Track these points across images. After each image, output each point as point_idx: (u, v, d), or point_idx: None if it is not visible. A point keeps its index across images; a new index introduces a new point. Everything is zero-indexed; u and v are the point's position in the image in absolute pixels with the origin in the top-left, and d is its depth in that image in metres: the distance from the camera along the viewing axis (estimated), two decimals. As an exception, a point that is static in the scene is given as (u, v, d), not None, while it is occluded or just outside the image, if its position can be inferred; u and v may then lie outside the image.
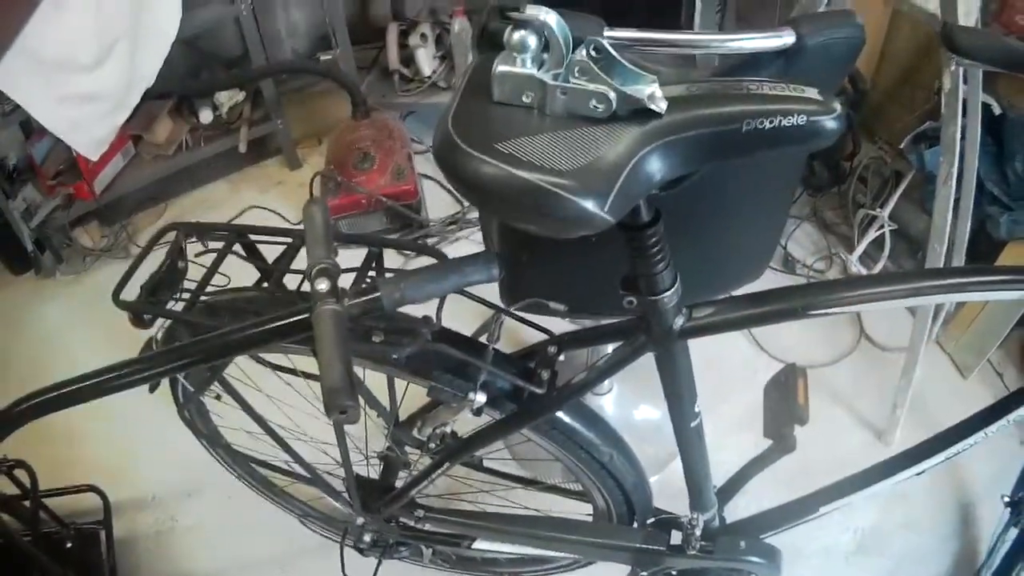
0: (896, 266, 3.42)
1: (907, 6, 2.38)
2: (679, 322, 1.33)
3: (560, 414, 1.60)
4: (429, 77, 3.75)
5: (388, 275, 1.29)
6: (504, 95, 1.08)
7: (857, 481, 1.72)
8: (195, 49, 3.55)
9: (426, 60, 3.73)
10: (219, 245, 1.56)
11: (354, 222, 3.38)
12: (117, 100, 2.79)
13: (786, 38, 1.30)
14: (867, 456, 2.66)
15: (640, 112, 1.06)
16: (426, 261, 1.32)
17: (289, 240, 1.55)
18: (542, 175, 0.99)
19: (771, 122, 1.05)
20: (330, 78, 3.55)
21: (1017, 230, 2.75)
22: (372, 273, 1.47)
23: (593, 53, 1.04)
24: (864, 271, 3.37)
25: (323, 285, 1.17)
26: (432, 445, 1.67)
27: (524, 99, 1.08)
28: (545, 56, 1.07)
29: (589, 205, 0.99)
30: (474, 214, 3.56)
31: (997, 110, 2.73)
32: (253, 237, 1.57)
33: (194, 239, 1.56)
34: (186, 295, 1.52)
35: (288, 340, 1.29)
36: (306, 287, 1.21)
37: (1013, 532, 2.21)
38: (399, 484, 1.89)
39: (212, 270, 1.54)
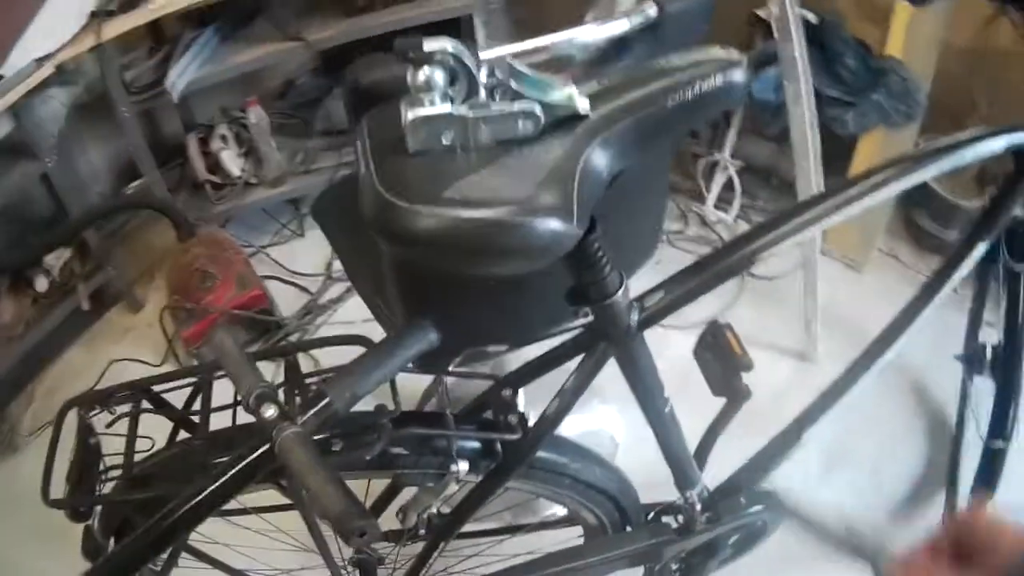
0: (751, 200, 3.45)
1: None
2: (634, 317, 1.29)
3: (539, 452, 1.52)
4: (239, 177, 3.63)
5: (313, 379, 1.29)
6: (420, 143, 1.01)
7: (828, 397, 1.78)
8: (8, 218, 3.39)
9: (232, 161, 3.62)
10: (126, 408, 1.46)
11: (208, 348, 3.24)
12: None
13: (649, 11, 1.29)
14: (800, 378, 2.75)
15: (565, 120, 1.01)
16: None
17: (194, 379, 1.46)
18: (503, 209, 0.94)
19: (691, 90, 1.04)
20: (147, 207, 3.41)
21: (866, 122, 2.85)
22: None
23: (498, 72, 1.00)
24: (724, 216, 3.39)
25: (271, 411, 1.09)
26: (420, 531, 1.59)
27: (444, 141, 1.01)
28: (450, 91, 1.00)
29: (557, 224, 0.95)
30: (327, 296, 3.55)
31: (814, 19, 2.79)
32: (157, 388, 1.48)
33: (97, 410, 1.46)
34: (113, 470, 1.42)
35: (255, 481, 1.18)
36: (242, 419, 1.13)
37: (979, 381, 2.30)
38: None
39: (131, 437, 1.43)
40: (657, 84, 1.05)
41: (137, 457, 1.43)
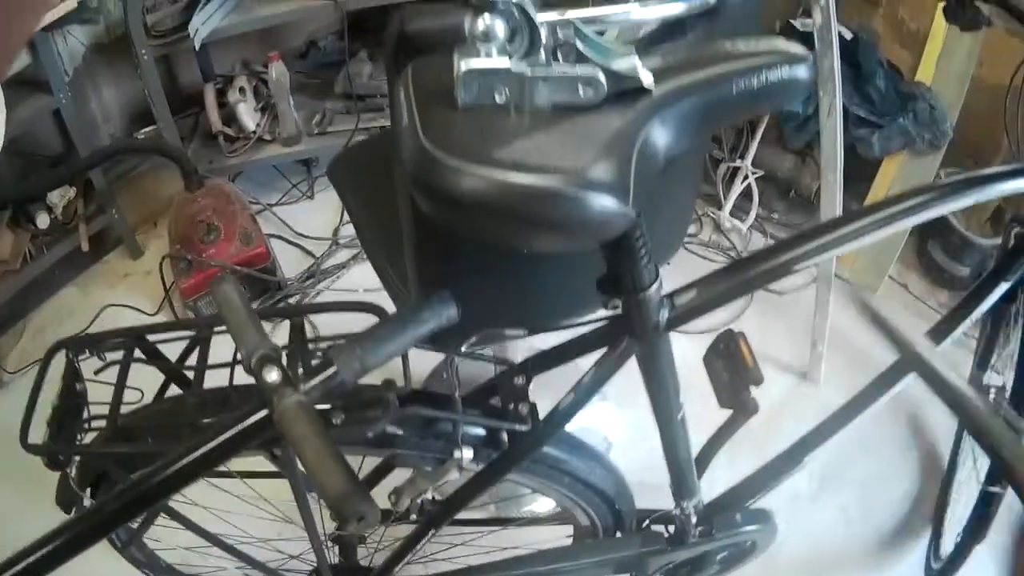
0: (767, 212, 3.43)
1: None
2: (664, 314, 1.22)
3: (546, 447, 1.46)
4: (254, 132, 3.56)
5: (320, 344, 1.23)
6: (472, 97, 0.94)
7: (833, 422, 1.72)
8: (17, 154, 3.33)
9: (248, 114, 3.55)
10: (117, 356, 1.39)
11: (212, 299, 3.14)
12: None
13: None
14: (799, 398, 2.72)
15: (627, 92, 0.95)
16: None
17: (191, 333, 1.40)
18: (557, 177, 0.87)
19: (757, 78, 0.98)
20: (159, 153, 3.35)
21: (890, 145, 2.85)
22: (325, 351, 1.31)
23: (562, 31, 0.94)
24: (738, 224, 3.35)
25: (273, 375, 1.02)
26: (411, 515, 1.53)
27: (498, 98, 0.94)
28: (508, 46, 0.93)
29: (612, 203, 0.88)
30: (330, 262, 3.49)
31: (848, 35, 2.76)
32: (152, 338, 1.41)
33: (86, 354, 1.39)
34: (96, 420, 1.37)
35: (248, 448, 1.11)
36: (239, 380, 1.06)
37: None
38: (368, 563, 1.74)
39: (120, 386, 1.37)
40: (723, 67, 0.99)
41: (123, 409, 1.37)
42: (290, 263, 3.47)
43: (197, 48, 3.16)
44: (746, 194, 3.41)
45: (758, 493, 1.77)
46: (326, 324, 1.48)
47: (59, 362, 1.38)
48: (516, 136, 0.92)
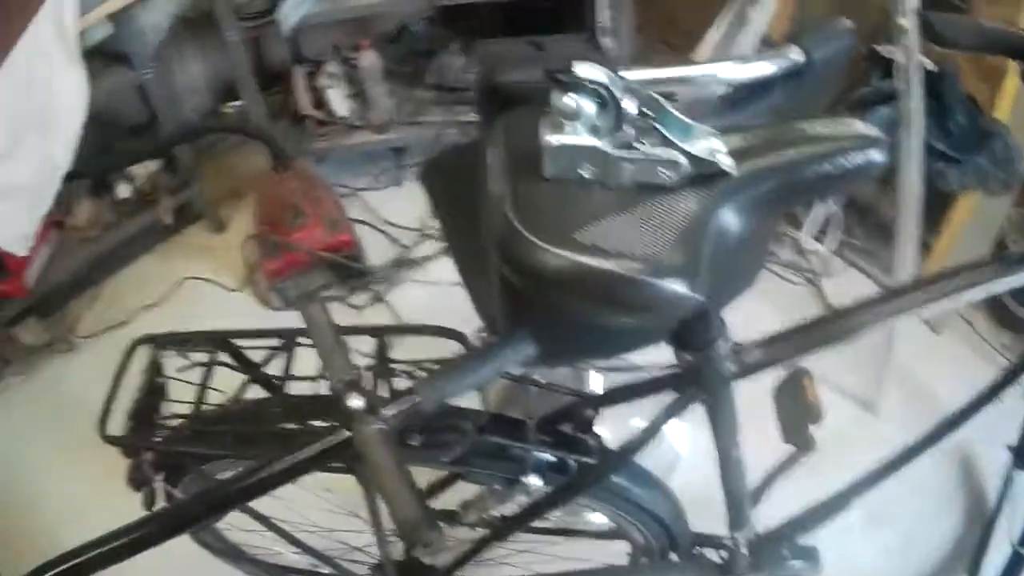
0: (847, 236, 3.39)
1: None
2: (730, 367, 1.25)
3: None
4: (344, 118, 3.58)
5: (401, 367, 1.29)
6: (557, 170, 0.97)
7: (888, 466, 1.75)
8: (100, 123, 3.34)
9: (339, 100, 3.58)
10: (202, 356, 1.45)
11: (296, 282, 3.22)
12: (35, 191, 2.65)
13: (796, 56, 1.24)
14: (860, 428, 2.69)
15: (706, 174, 0.98)
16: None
17: (276, 342, 1.45)
18: (632, 264, 0.90)
19: (833, 163, 1.01)
20: (248, 134, 3.41)
21: (967, 181, 2.77)
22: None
23: (646, 110, 0.95)
24: (818, 246, 3.33)
25: (358, 402, 1.06)
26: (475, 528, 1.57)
27: (582, 173, 0.97)
28: (596, 118, 0.96)
29: (682, 289, 0.91)
30: (418, 252, 3.47)
31: (932, 67, 2.72)
32: (237, 342, 1.46)
33: (171, 352, 1.45)
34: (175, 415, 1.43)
35: (327, 464, 1.16)
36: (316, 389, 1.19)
37: (1021, 475, 2.25)
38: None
39: (203, 385, 1.43)
40: (801, 151, 1.02)
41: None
42: (375, 249, 3.45)
43: (286, 33, 3.20)
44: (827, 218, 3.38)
45: (807, 530, 1.78)
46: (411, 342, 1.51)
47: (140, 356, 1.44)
48: (597, 215, 0.95)
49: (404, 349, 1.44)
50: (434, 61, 3.71)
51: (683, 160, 0.96)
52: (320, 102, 3.60)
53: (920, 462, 1.71)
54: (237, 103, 3.68)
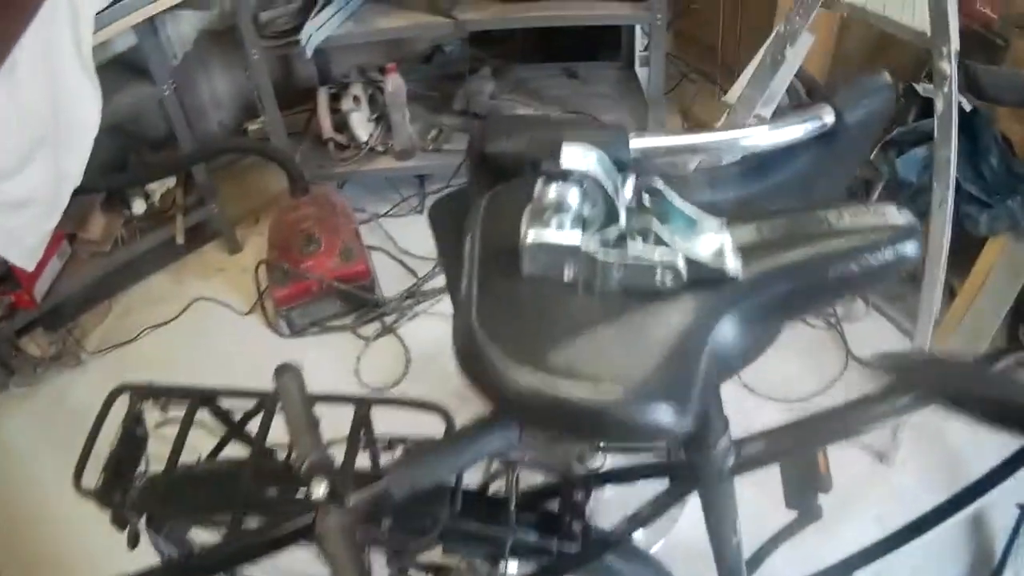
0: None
1: (892, 27, 2.23)
2: (729, 461, 1.17)
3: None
4: (366, 142, 3.52)
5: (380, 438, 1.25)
6: (536, 269, 0.86)
7: (889, 542, 1.66)
8: (118, 135, 3.34)
9: (361, 125, 3.52)
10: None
11: (305, 310, 3.18)
12: (46, 204, 2.61)
13: (827, 118, 1.12)
14: (873, 479, 2.62)
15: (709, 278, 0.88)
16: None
17: (256, 399, 1.40)
18: (610, 390, 0.79)
19: (858, 261, 0.90)
20: (265, 156, 3.35)
21: (997, 226, 2.72)
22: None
23: (647, 199, 0.87)
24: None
25: (320, 489, 1.00)
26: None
27: (565, 275, 0.87)
28: (584, 210, 0.86)
29: (668, 416, 0.79)
30: (432, 284, 3.40)
31: (967, 107, 2.65)
32: (219, 399, 1.42)
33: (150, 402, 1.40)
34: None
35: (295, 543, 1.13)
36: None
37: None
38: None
39: (179, 442, 1.37)
40: (821, 247, 0.91)
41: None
42: (390, 278, 3.40)
43: (309, 55, 3.15)
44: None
45: None
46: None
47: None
48: (575, 327, 0.84)
49: (389, 416, 1.38)
50: (462, 86, 3.65)
51: (680, 263, 0.85)
52: (343, 125, 3.55)
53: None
54: (260, 120, 3.64)
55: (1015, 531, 2.32)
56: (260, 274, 3.33)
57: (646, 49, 3.61)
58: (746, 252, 0.89)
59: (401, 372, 3.06)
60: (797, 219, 0.93)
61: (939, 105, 2.01)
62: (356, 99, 3.53)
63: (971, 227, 2.72)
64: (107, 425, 1.38)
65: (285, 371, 1.12)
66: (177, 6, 2.85)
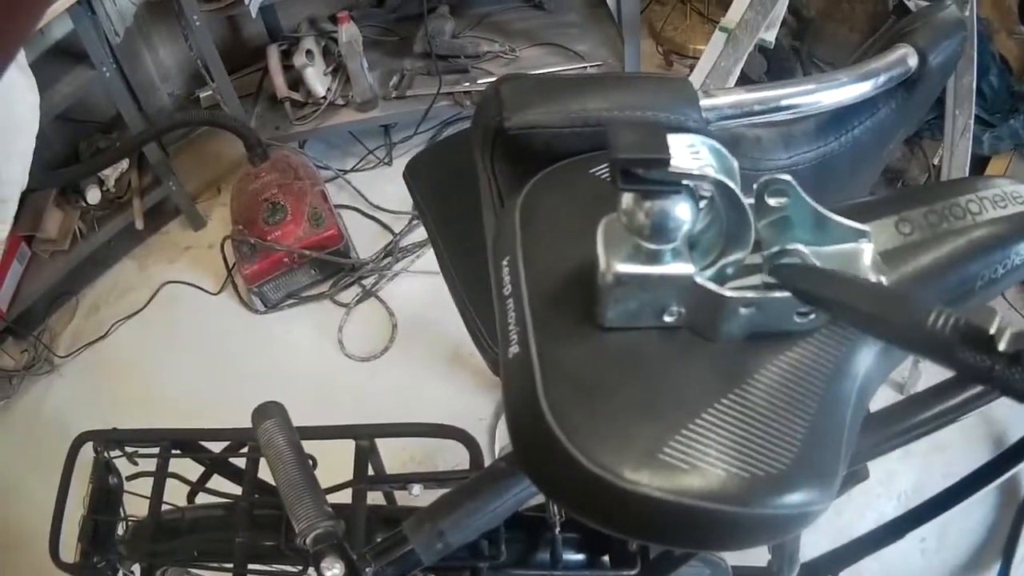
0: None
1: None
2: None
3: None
4: (324, 97, 3.32)
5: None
6: (626, 318, 0.62)
7: (945, 499, 1.63)
8: (67, 124, 3.20)
9: (317, 79, 3.31)
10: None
11: (278, 283, 3.00)
12: (-9, 214, 2.44)
13: (911, 61, 0.95)
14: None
15: None
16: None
17: (230, 441, 1.26)
18: (749, 490, 0.57)
19: (1004, 266, 0.72)
20: (216, 126, 3.14)
21: (1000, 145, 2.81)
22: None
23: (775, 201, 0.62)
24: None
25: (335, 569, 0.82)
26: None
27: (665, 317, 0.62)
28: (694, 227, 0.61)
29: (813, 500, 0.58)
30: (410, 239, 3.23)
31: None
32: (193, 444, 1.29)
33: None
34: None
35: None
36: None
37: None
38: None
39: (158, 492, 1.21)
40: (973, 256, 0.71)
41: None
42: (365, 238, 3.23)
43: (254, 15, 2.97)
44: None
45: (850, 561, 1.67)
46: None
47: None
48: (693, 402, 0.59)
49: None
50: (421, 27, 3.43)
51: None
52: (298, 82, 3.35)
53: (956, 449, 1.52)
54: (211, 89, 3.43)
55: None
56: (227, 250, 3.15)
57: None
58: (887, 257, 0.69)
59: (388, 338, 2.92)
60: (938, 211, 0.72)
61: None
62: (309, 53, 3.31)
63: (975, 147, 2.66)
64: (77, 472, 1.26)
65: (265, 415, 0.93)
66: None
